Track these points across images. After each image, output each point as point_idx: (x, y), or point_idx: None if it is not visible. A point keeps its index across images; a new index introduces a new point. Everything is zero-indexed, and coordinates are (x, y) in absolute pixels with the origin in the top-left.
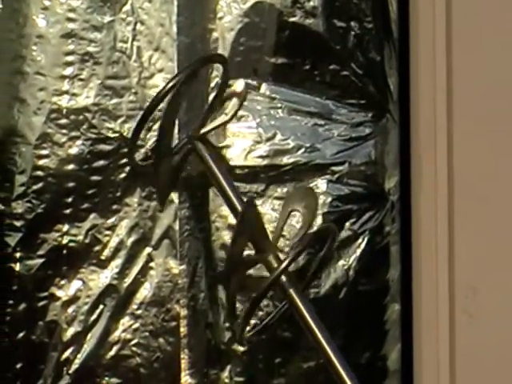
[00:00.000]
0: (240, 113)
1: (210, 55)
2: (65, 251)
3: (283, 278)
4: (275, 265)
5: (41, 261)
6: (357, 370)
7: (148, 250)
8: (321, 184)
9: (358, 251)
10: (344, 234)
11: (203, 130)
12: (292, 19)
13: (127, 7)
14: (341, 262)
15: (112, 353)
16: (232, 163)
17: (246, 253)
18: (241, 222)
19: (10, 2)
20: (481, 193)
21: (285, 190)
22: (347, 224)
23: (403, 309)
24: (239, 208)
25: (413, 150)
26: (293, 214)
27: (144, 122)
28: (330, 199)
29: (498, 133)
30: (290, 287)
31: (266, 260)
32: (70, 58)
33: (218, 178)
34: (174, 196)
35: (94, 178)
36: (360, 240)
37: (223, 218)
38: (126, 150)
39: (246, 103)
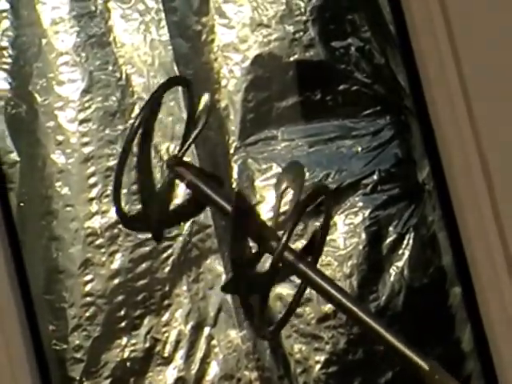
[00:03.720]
0: (263, 165)
1: (169, 79)
2: (128, 363)
3: (288, 256)
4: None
5: (108, 382)
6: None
7: (207, 330)
8: (357, 200)
9: (407, 252)
10: (390, 238)
11: (180, 153)
12: (293, 58)
13: (136, 111)
14: (393, 266)
15: None
16: (268, 217)
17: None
18: (234, 217)
19: (26, 150)
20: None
21: None
22: (391, 228)
23: (464, 289)
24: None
25: (437, 134)
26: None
27: (122, 165)
28: (368, 211)
29: None
30: (298, 263)
31: (269, 247)
32: (92, 180)
33: (208, 193)
34: (220, 267)
35: (141, 282)
36: (406, 239)
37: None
38: (163, 243)
39: (265, 154)
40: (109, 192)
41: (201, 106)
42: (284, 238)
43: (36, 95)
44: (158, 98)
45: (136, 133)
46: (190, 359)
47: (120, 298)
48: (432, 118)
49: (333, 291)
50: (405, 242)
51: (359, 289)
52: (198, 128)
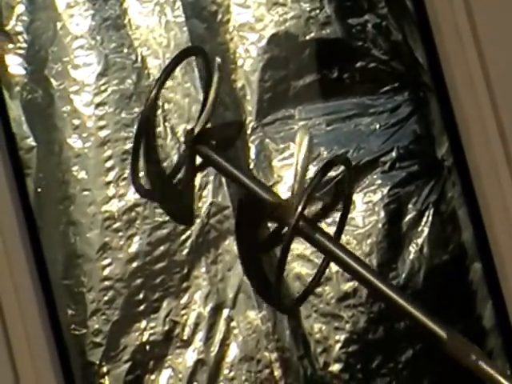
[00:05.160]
0: (281, 145)
1: (183, 50)
2: (148, 347)
3: (305, 227)
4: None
5: (127, 365)
6: None
7: (226, 311)
8: (376, 178)
9: (426, 229)
10: (409, 216)
11: (198, 128)
12: (309, 36)
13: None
14: (413, 244)
15: None
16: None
17: None
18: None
19: (42, 135)
20: None
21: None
22: (410, 206)
23: (485, 265)
24: (260, 193)
25: (456, 110)
26: None
27: (137, 149)
28: (387, 189)
29: None
30: (315, 233)
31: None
32: (109, 164)
33: (232, 172)
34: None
35: (159, 265)
36: (426, 216)
37: (291, 249)
38: (180, 226)
39: (282, 134)
40: (126, 175)
41: (214, 67)
42: (299, 208)
43: (52, 80)
44: (174, 69)
45: (152, 107)
46: (209, 341)
47: (138, 281)
48: (450, 93)
49: (351, 261)
50: (424, 219)
51: (379, 267)
52: (211, 96)
